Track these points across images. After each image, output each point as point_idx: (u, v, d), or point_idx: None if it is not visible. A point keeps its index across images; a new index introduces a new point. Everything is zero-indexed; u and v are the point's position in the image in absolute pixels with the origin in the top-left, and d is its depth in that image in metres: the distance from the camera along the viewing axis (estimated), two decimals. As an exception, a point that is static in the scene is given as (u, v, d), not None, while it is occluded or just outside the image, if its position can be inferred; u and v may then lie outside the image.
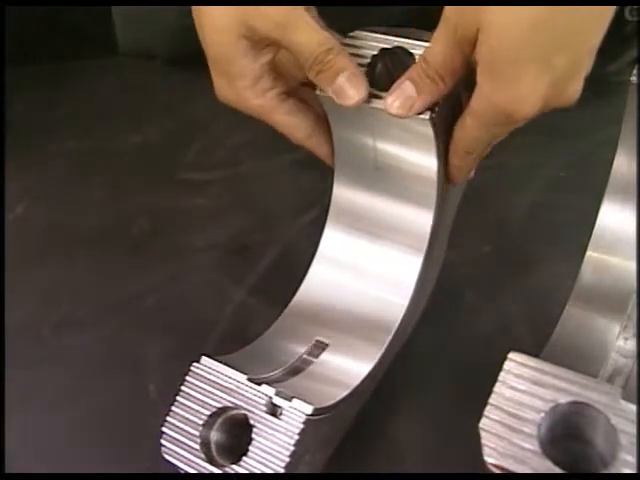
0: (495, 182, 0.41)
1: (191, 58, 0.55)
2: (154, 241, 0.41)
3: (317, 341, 0.30)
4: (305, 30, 0.28)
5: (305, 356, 0.29)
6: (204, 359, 0.26)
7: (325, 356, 0.29)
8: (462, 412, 0.25)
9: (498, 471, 0.21)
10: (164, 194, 0.45)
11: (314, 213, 0.41)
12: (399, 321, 0.30)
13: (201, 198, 0.44)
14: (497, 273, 0.37)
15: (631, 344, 0.27)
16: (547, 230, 0.40)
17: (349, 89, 0.27)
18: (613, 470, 0.20)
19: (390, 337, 0.29)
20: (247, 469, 0.25)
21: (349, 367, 0.28)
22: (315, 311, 0.31)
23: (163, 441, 0.26)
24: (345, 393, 0.27)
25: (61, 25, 0.56)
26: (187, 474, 0.25)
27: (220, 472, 0.25)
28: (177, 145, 0.48)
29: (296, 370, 0.28)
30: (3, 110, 0.47)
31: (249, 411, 0.25)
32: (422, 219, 0.30)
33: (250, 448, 0.25)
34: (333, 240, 0.32)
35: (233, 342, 0.30)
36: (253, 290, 0.37)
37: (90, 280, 0.39)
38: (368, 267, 0.31)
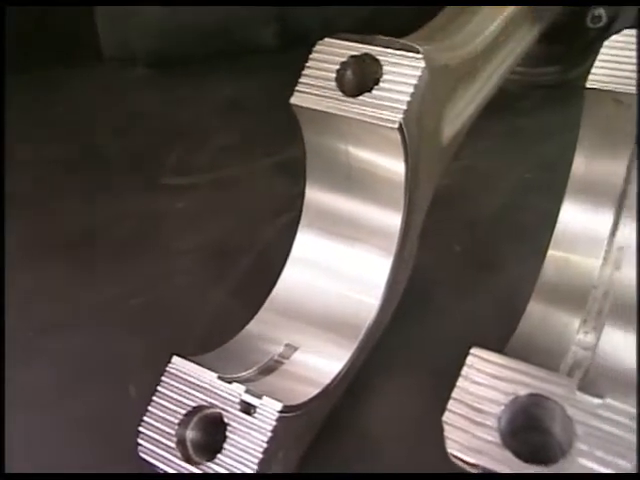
0: (464, 184, 0.42)
1: (172, 61, 0.56)
2: (136, 244, 0.41)
3: (290, 341, 0.29)
4: None
5: (277, 356, 0.29)
6: (175, 359, 0.26)
7: (297, 356, 0.29)
8: (434, 408, 0.25)
9: (461, 463, 0.21)
10: (146, 199, 0.45)
11: (293, 216, 0.41)
12: (370, 320, 0.30)
13: (182, 202, 0.43)
14: (467, 272, 0.38)
15: (591, 337, 0.27)
16: (515, 230, 0.40)
17: None
18: (570, 458, 0.20)
19: (361, 336, 0.29)
20: (222, 466, 0.24)
21: (320, 366, 0.28)
22: (288, 312, 0.31)
23: (140, 440, 0.26)
24: (316, 391, 0.27)
25: (45, 32, 0.56)
26: (180, 474, 0.25)
27: (195, 470, 0.25)
28: (159, 150, 0.48)
29: (268, 370, 0.28)
30: (3, 111, 0.47)
31: (223, 409, 0.25)
32: (391, 221, 0.30)
33: (225, 446, 0.25)
34: (305, 243, 0.32)
35: (212, 343, 0.30)
36: (232, 292, 0.37)
37: (73, 282, 0.39)
38: (340, 268, 0.31)
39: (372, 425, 0.31)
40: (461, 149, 0.38)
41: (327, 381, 0.28)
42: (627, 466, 0.20)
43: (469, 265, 0.38)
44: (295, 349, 0.30)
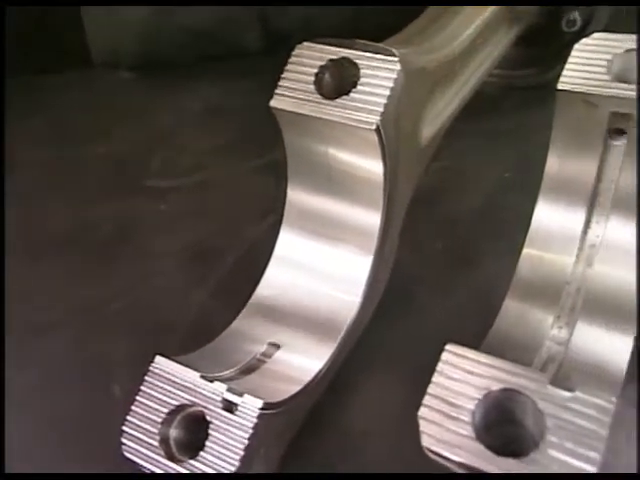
0: (445, 183, 0.42)
1: (157, 64, 0.56)
2: (119, 246, 0.41)
3: (271, 341, 0.30)
4: None
5: (259, 355, 0.29)
6: (158, 359, 0.26)
7: (279, 354, 0.29)
8: (415, 404, 0.25)
9: (436, 457, 0.21)
10: (130, 201, 0.45)
11: (275, 217, 0.41)
12: (351, 319, 0.30)
13: (166, 204, 0.44)
14: (447, 270, 0.38)
15: (564, 332, 0.28)
16: (494, 228, 0.41)
17: None
18: (540, 450, 0.20)
19: (342, 334, 0.30)
20: (204, 463, 0.25)
21: (302, 364, 0.29)
22: (270, 311, 0.31)
23: (124, 439, 0.26)
24: (297, 389, 0.27)
25: (35, 36, 0.56)
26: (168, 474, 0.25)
27: (178, 468, 0.25)
28: (143, 153, 0.48)
29: (250, 369, 0.28)
30: (3, 114, 0.47)
31: (205, 408, 0.25)
32: (371, 221, 0.31)
33: (207, 443, 0.25)
34: (288, 243, 0.32)
35: (195, 343, 0.30)
36: (215, 293, 0.37)
37: (57, 284, 0.39)
38: (321, 268, 0.32)
39: (354, 421, 0.31)
40: (442, 149, 0.38)
41: (308, 379, 0.28)
42: (596, 457, 0.20)
43: (449, 262, 0.38)
44: (277, 348, 0.30)
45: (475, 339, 0.28)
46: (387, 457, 0.30)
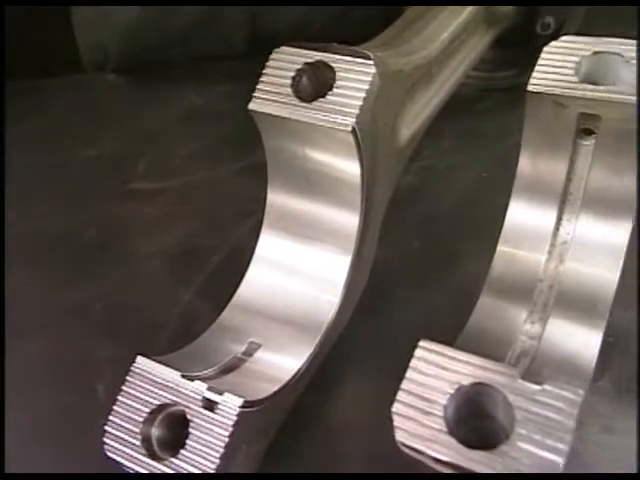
0: (423, 183, 0.42)
1: (144, 66, 0.56)
2: (105, 248, 0.41)
3: (252, 340, 0.30)
4: None
5: (240, 355, 0.29)
6: (140, 359, 0.26)
7: (259, 354, 0.29)
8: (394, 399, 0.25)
9: (409, 451, 0.21)
10: (116, 204, 0.44)
11: (258, 218, 0.41)
12: (331, 317, 0.30)
13: (151, 207, 0.44)
14: (426, 267, 0.38)
15: (537, 327, 0.28)
16: (472, 226, 0.41)
17: None
18: (510, 442, 0.21)
19: (322, 333, 0.30)
20: (185, 461, 0.25)
21: (282, 363, 0.29)
22: (252, 311, 0.31)
23: (106, 439, 0.26)
24: (277, 387, 0.27)
25: (26, 41, 0.56)
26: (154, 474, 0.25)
27: (160, 466, 0.25)
28: (129, 157, 0.48)
29: (231, 368, 0.28)
30: (3, 118, 0.46)
31: (186, 407, 0.25)
32: (349, 221, 0.31)
33: (187, 441, 0.25)
34: (268, 243, 0.32)
35: (180, 343, 0.30)
36: (200, 293, 0.37)
37: (42, 285, 0.39)
38: (301, 268, 0.32)
39: (336, 416, 0.32)
40: (421, 150, 0.39)
41: (288, 377, 0.28)
42: (564, 448, 0.20)
43: (428, 261, 0.39)
44: (258, 347, 0.30)
45: (453, 335, 0.28)
46: (368, 452, 0.30)
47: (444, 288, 0.37)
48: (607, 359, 0.31)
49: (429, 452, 0.21)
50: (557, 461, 0.20)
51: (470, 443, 0.21)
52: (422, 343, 0.23)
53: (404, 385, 0.22)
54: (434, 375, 0.22)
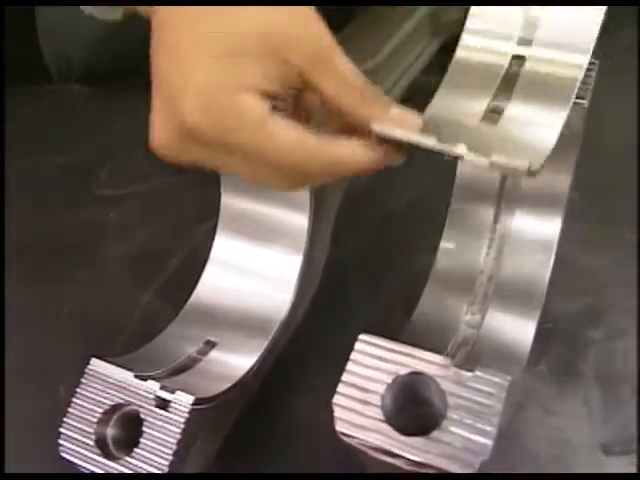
0: (377, 184, 0.43)
1: (108, 76, 0.55)
2: (70, 253, 0.41)
3: (207, 340, 0.30)
4: (343, 56, 0.22)
5: (194, 355, 0.29)
6: (94, 361, 0.26)
7: (213, 353, 0.29)
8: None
9: (349, 440, 0.21)
10: (81, 210, 0.44)
11: (216, 221, 0.41)
12: (283, 316, 0.30)
13: (115, 212, 0.43)
14: (379, 266, 0.39)
15: (477, 317, 0.29)
16: (423, 225, 0.41)
17: (408, 114, 0.22)
18: (443, 427, 0.21)
19: (275, 331, 0.30)
20: (139, 459, 0.25)
21: (235, 361, 0.29)
22: (207, 312, 0.31)
23: (61, 440, 0.25)
24: (229, 385, 0.27)
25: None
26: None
27: (114, 465, 0.24)
28: (94, 164, 0.47)
29: (185, 367, 0.28)
30: (3, 121, 0.45)
31: (139, 406, 0.25)
32: (299, 222, 0.31)
33: (141, 440, 0.25)
34: (223, 245, 0.32)
35: (141, 342, 0.30)
36: (161, 294, 0.37)
37: (8, 291, 0.38)
38: (255, 268, 0.32)
39: (288, 413, 0.32)
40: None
41: (241, 374, 0.28)
42: (492, 431, 0.21)
43: (381, 259, 0.39)
44: (213, 346, 0.30)
45: (403, 326, 0.29)
46: (322, 446, 0.30)
47: (397, 285, 0.37)
48: (545, 345, 0.32)
49: (367, 440, 0.21)
50: (486, 443, 0.20)
51: (409, 430, 0.22)
52: (362, 337, 0.23)
53: (344, 377, 0.22)
54: (372, 367, 0.22)
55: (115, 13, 0.26)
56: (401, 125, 0.21)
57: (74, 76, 0.55)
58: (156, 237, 0.41)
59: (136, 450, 0.25)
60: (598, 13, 0.24)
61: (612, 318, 0.33)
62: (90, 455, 0.25)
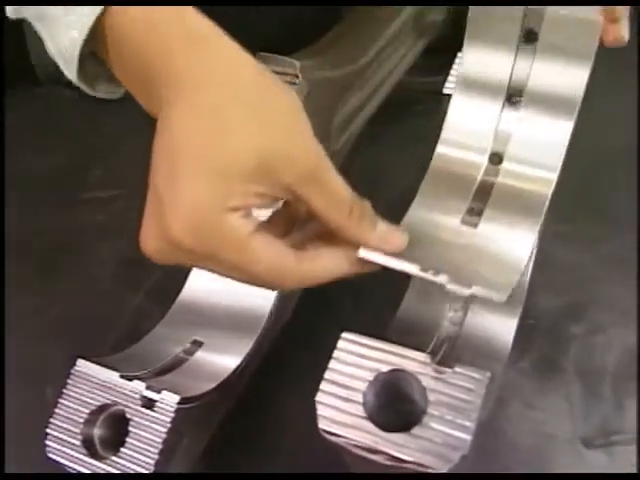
0: (363, 183, 0.42)
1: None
2: (59, 256, 0.41)
3: (193, 340, 0.30)
4: (335, 172, 0.22)
5: (181, 354, 0.29)
6: (80, 362, 0.26)
7: (200, 353, 0.29)
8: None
9: (331, 437, 0.21)
10: (70, 212, 0.44)
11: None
12: (268, 316, 0.30)
13: (102, 214, 0.43)
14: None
15: (459, 314, 0.28)
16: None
17: (395, 232, 0.23)
18: (424, 423, 0.21)
19: (260, 331, 0.30)
20: (125, 459, 0.24)
21: (221, 361, 0.29)
22: (194, 312, 0.31)
23: (47, 441, 0.25)
24: (214, 384, 0.27)
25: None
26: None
27: (100, 465, 0.24)
28: (83, 167, 0.47)
29: (171, 367, 0.28)
30: (3, 124, 0.45)
31: (125, 406, 0.25)
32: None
33: (127, 439, 0.25)
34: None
35: (129, 344, 0.30)
36: (148, 295, 0.37)
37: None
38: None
39: (276, 411, 0.32)
40: (358, 152, 0.39)
41: (227, 374, 0.28)
42: (471, 426, 0.21)
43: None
44: (200, 345, 0.30)
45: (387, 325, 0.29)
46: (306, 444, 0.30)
47: (377, 282, 0.37)
48: (528, 341, 0.32)
49: (348, 437, 0.21)
50: (465, 438, 0.20)
51: (392, 427, 0.22)
52: (344, 335, 0.23)
53: (327, 375, 0.22)
54: (354, 364, 0.22)
55: (117, 93, 0.27)
56: (386, 243, 0.22)
57: (64, 79, 0.55)
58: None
59: (122, 450, 0.25)
60: (565, 135, 0.25)
61: (593, 314, 0.33)
62: (76, 455, 0.25)
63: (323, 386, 0.22)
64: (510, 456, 0.28)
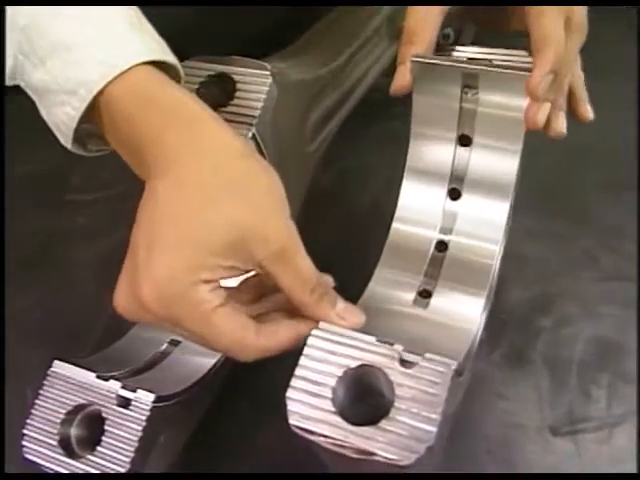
0: (339, 183, 0.43)
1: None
2: (39, 259, 0.40)
3: (171, 340, 0.29)
4: (303, 252, 0.23)
5: (158, 354, 0.29)
6: (56, 363, 0.26)
7: (176, 353, 0.29)
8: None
9: (302, 432, 0.21)
10: (51, 215, 0.43)
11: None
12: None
13: (84, 217, 0.42)
14: (344, 262, 0.39)
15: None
16: (385, 222, 0.41)
17: (353, 310, 0.24)
18: (391, 416, 0.21)
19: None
20: (101, 457, 0.24)
21: (197, 360, 0.28)
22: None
23: (24, 442, 0.25)
24: (190, 382, 0.27)
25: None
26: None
27: (77, 464, 0.24)
28: (63, 171, 0.47)
29: (147, 367, 0.28)
30: (3, 124, 0.44)
31: (101, 406, 0.25)
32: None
33: (103, 438, 0.24)
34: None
35: (109, 345, 0.30)
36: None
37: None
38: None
39: (255, 409, 0.31)
40: (336, 153, 0.39)
41: (204, 372, 0.28)
42: (437, 418, 0.21)
43: (346, 256, 0.39)
44: (176, 345, 0.29)
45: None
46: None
47: (366, 280, 0.37)
48: (499, 335, 0.32)
49: (319, 432, 0.21)
50: (431, 430, 0.21)
51: (362, 421, 0.22)
52: (314, 332, 0.23)
53: (297, 372, 0.22)
54: (324, 360, 0.22)
55: (107, 150, 0.28)
56: (344, 321, 0.23)
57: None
58: (124, 241, 0.40)
59: (98, 448, 0.24)
60: (503, 213, 0.28)
61: (560, 306, 0.33)
62: (53, 455, 0.25)
63: (293, 382, 0.22)
64: (480, 445, 0.28)
